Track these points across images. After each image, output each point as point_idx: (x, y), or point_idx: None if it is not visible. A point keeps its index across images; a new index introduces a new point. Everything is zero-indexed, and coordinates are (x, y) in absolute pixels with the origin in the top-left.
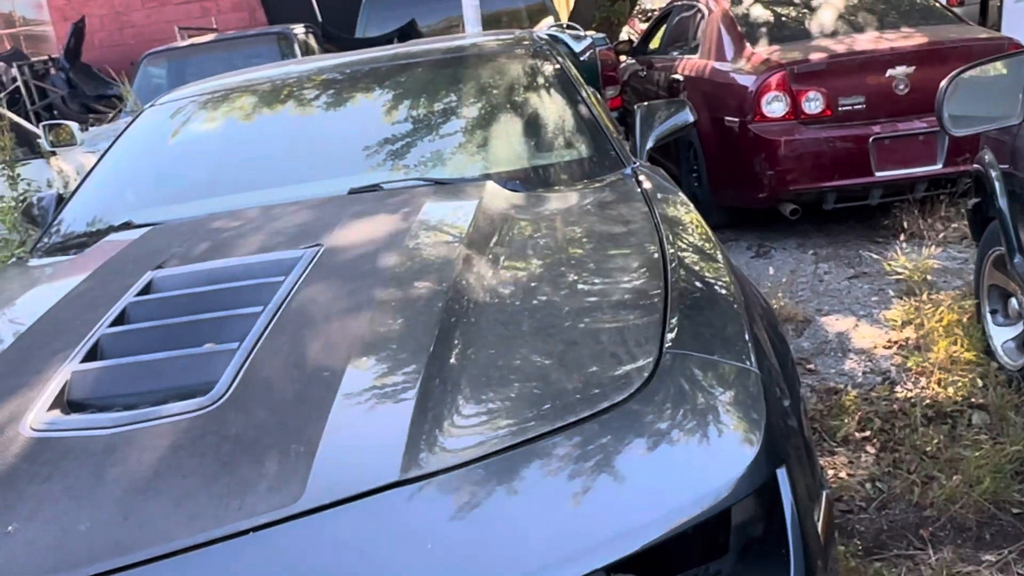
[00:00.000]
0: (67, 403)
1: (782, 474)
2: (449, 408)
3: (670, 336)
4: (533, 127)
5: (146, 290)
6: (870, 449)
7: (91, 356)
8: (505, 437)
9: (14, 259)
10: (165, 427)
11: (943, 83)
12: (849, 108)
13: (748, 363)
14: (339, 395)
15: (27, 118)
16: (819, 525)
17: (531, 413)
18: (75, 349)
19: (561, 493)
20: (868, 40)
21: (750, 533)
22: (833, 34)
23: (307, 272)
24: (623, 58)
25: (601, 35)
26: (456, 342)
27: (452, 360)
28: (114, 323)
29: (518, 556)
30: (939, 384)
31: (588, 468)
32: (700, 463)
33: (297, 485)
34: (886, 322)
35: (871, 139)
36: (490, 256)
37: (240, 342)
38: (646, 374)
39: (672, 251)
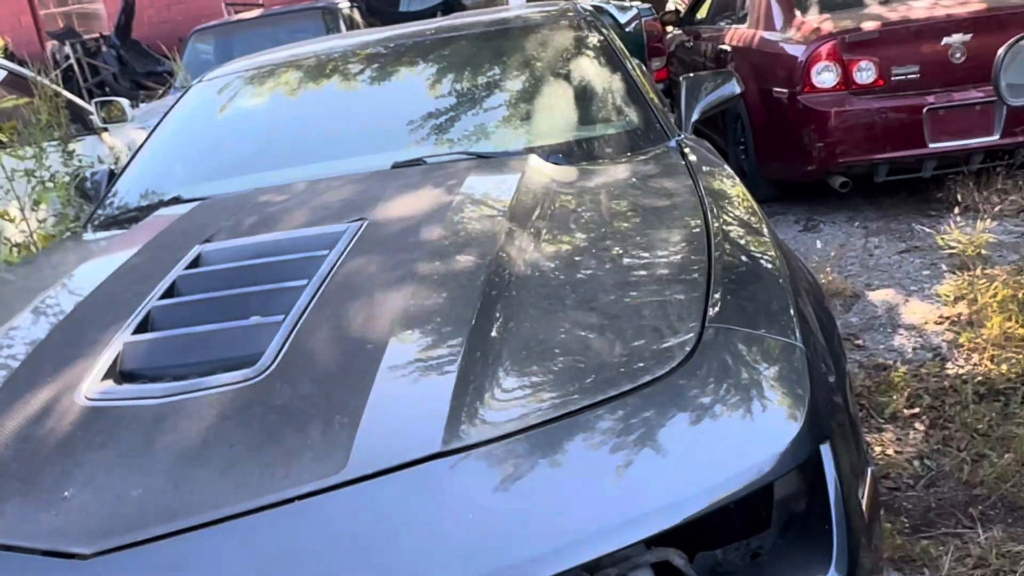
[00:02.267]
0: (120, 373)
1: (826, 450)
2: (491, 380)
3: (713, 310)
4: (576, 100)
5: (195, 263)
6: (919, 426)
7: (142, 328)
8: (546, 410)
9: (68, 233)
10: (213, 397)
11: (1000, 51)
12: (902, 78)
13: (793, 338)
14: (382, 367)
15: (80, 95)
16: (864, 502)
17: (573, 386)
18: (127, 321)
19: (602, 466)
20: (923, 7)
21: (793, 509)
22: (886, 1)
23: (351, 246)
24: (669, 29)
25: (647, 6)
26: (498, 315)
27: (494, 333)
28: (164, 296)
29: (559, 527)
30: (992, 361)
31: (629, 442)
32: (743, 438)
33: (341, 455)
34: (938, 297)
35: (925, 109)
36: (532, 229)
37: (285, 315)
38: (688, 348)
39: (716, 225)
